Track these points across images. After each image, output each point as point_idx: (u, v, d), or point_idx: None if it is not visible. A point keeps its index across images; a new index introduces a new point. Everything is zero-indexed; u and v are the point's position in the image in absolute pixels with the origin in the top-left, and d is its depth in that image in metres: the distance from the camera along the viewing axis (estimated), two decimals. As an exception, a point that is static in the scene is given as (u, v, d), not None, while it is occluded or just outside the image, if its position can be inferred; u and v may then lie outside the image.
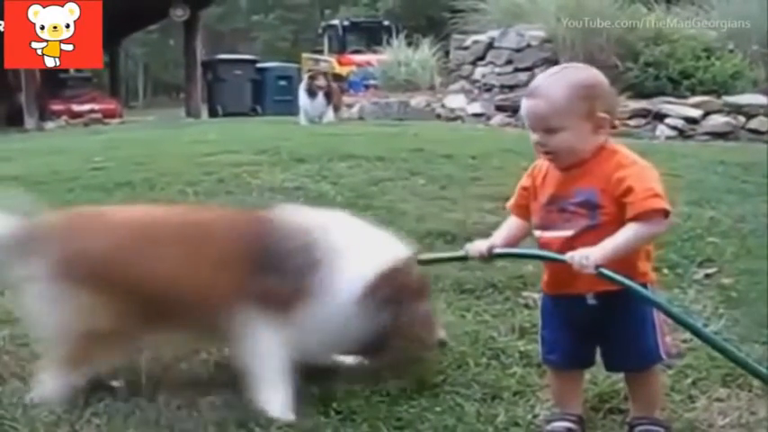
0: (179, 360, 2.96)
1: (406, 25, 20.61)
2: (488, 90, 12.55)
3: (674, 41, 10.76)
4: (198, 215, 3.07)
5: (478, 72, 12.95)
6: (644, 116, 10.01)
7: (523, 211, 2.53)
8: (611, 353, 2.47)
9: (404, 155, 6.94)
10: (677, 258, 4.10)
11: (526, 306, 3.51)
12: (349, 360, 2.92)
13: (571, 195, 2.36)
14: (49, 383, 2.72)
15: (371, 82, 16.35)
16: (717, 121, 9.94)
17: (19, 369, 2.98)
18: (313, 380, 2.78)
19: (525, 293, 3.63)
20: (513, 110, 11.09)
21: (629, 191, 2.27)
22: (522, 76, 11.74)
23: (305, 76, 13.05)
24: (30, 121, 18.07)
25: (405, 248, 2.87)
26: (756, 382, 2.68)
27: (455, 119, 12.03)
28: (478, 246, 2.53)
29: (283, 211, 2.95)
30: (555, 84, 2.39)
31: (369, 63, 18.94)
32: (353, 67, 22.10)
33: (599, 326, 2.41)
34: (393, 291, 2.73)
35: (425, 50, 14.71)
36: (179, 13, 20.64)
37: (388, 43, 15.86)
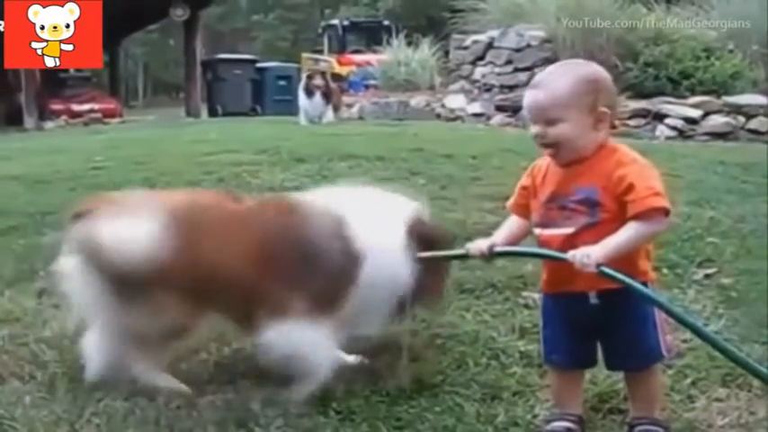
0: (179, 360, 2.96)
1: (406, 25, 20.61)
2: (488, 90, 12.55)
3: (674, 41, 10.76)
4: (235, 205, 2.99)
5: (478, 72, 12.94)
6: (644, 116, 10.01)
7: (523, 210, 2.54)
8: (613, 352, 2.47)
9: (404, 155, 6.94)
10: (677, 258, 4.09)
11: (526, 306, 3.51)
12: (350, 359, 2.92)
13: (571, 193, 2.36)
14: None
15: (371, 82, 16.35)
16: (716, 121, 9.94)
17: (18, 369, 2.98)
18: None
19: (525, 293, 3.62)
20: (513, 110, 11.10)
21: (629, 189, 2.27)
22: (522, 76, 11.73)
23: (303, 76, 13.04)
24: (29, 121, 18.07)
25: (418, 204, 2.97)
26: (756, 382, 2.68)
27: (455, 119, 12.02)
28: (479, 244, 2.55)
29: (301, 198, 2.98)
30: (558, 76, 2.41)
31: (368, 63, 18.95)
32: (353, 67, 22.12)
33: (600, 324, 2.41)
34: (424, 239, 2.80)
35: (425, 50, 14.71)
36: (179, 13, 20.64)
37: (388, 43, 15.86)
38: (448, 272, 3.10)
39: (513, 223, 2.58)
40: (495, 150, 7.23)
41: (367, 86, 16.60)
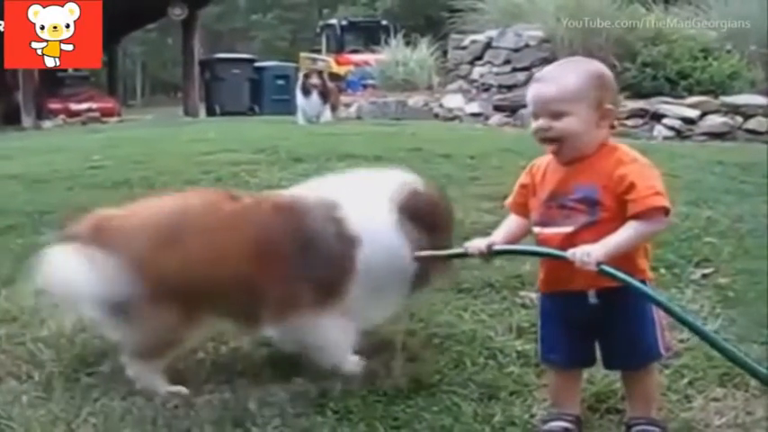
0: (176, 360, 2.96)
1: (405, 25, 20.64)
2: (486, 90, 12.55)
3: (672, 42, 10.77)
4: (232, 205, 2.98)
5: (476, 72, 12.95)
6: (641, 116, 10.00)
7: (522, 208, 2.53)
8: (611, 351, 2.47)
9: (402, 154, 6.93)
10: (674, 258, 4.09)
11: (523, 306, 3.51)
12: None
13: (570, 191, 2.36)
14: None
15: (369, 81, 16.34)
16: (714, 121, 9.94)
17: (15, 368, 2.98)
18: (310, 379, 2.79)
19: (522, 293, 3.62)
20: (512, 109, 11.10)
21: (630, 188, 2.27)
22: (521, 76, 11.74)
23: (300, 75, 13.03)
24: (27, 120, 18.05)
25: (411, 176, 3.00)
26: (753, 382, 2.68)
27: (453, 118, 12.02)
28: (478, 243, 2.54)
29: (294, 192, 3.02)
30: (566, 70, 2.41)
31: (367, 63, 18.92)
32: (351, 67, 22.10)
33: (598, 323, 2.41)
34: (419, 209, 2.84)
35: (423, 50, 14.72)
36: (177, 12, 20.62)
37: (387, 43, 15.86)
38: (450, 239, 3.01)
39: (512, 222, 2.57)
40: (494, 150, 7.23)
41: (365, 86, 16.60)
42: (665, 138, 9.66)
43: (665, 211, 2.28)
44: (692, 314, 3.23)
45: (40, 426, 2.53)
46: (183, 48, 21.97)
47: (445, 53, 14.39)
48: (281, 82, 21.09)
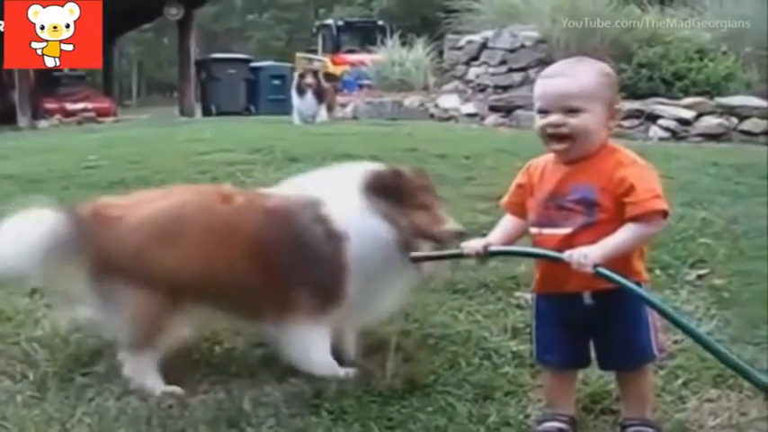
0: (170, 359, 2.96)
1: (401, 25, 20.64)
2: (482, 90, 12.56)
3: (668, 43, 10.79)
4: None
5: (472, 72, 12.96)
6: (637, 117, 10.01)
7: (519, 208, 2.52)
8: (606, 351, 2.47)
9: (397, 154, 6.92)
10: (669, 259, 4.10)
11: (518, 306, 3.51)
12: (341, 372, 2.91)
13: (568, 192, 2.36)
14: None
15: (365, 82, 16.35)
16: (709, 122, 9.95)
17: (9, 368, 2.98)
18: (305, 379, 2.79)
19: (518, 294, 3.63)
20: (507, 110, 11.11)
21: (630, 190, 2.27)
22: (516, 77, 11.77)
23: (295, 75, 13.03)
24: (23, 120, 17.99)
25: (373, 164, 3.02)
26: (747, 383, 2.68)
27: (448, 119, 12.03)
28: (474, 244, 2.53)
29: (277, 193, 3.03)
30: (580, 67, 2.41)
31: (363, 63, 18.93)
32: (347, 67, 22.11)
33: (593, 324, 2.41)
34: (386, 186, 2.84)
35: (419, 50, 14.73)
36: (173, 12, 20.57)
37: (383, 43, 15.87)
38: (434, 204, 2.94)
39: (508, 223, 2.56)
40: (489, 150, 7.23)
41: (361, 86, 16.61)
42: (661, 139, 9.68)
43: (664, 215, 2.29)
44: (687, 316, 3.24)
45: (34, 425, 2.53)
46: (179, 48, 21.91)
47: (441, 53, 14.40)
48: (276, 82, 21.03)
